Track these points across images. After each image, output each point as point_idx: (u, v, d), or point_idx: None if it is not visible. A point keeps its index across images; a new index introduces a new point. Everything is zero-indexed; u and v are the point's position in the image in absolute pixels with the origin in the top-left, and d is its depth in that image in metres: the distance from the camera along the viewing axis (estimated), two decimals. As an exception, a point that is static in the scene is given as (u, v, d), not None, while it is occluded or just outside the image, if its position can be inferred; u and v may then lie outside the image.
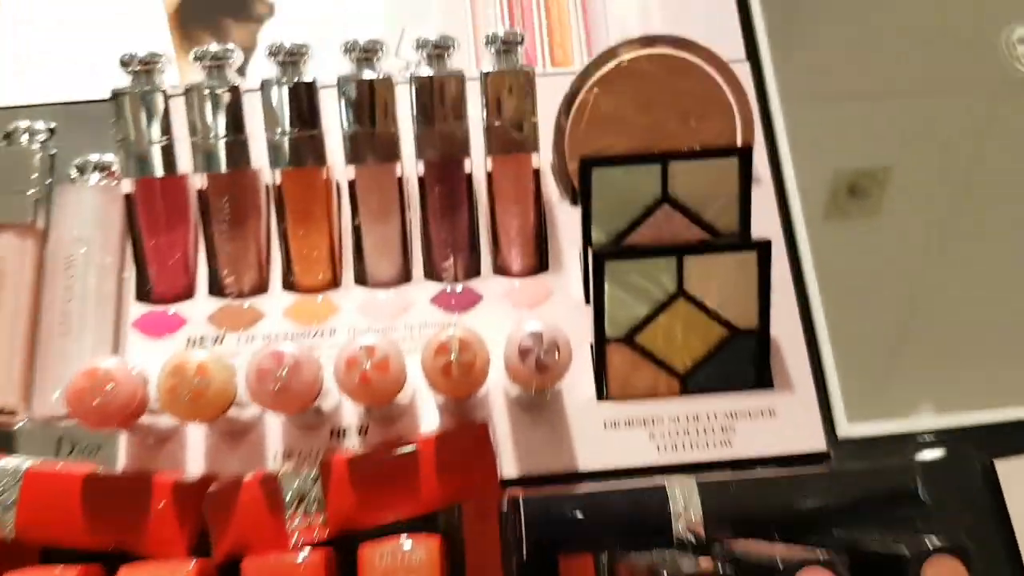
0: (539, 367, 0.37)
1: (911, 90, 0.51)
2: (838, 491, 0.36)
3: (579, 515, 0.35)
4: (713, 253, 0.42)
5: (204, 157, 0.43)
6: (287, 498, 0.37)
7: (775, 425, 0.43)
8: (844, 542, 0.32)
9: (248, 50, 0.50)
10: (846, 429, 0.43)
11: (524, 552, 0.33)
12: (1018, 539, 0.40)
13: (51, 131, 0.49)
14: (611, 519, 0.35)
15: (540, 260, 0.47)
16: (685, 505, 0.35)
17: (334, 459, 0.38)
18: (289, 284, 0.46)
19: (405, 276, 0.47)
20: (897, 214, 0.48)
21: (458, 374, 0.36)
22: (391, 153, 0.44)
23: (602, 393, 0.44)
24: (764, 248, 0.42)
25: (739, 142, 0.46)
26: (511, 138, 0.44)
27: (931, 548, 0.27)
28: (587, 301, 0.45)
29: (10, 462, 0.38)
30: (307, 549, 0.36)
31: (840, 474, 0.37)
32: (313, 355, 0.37)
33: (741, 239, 0.43)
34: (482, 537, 0.39)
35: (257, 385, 0.36)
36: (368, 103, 0.43)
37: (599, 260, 0.42)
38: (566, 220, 0.47)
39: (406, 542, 0.35)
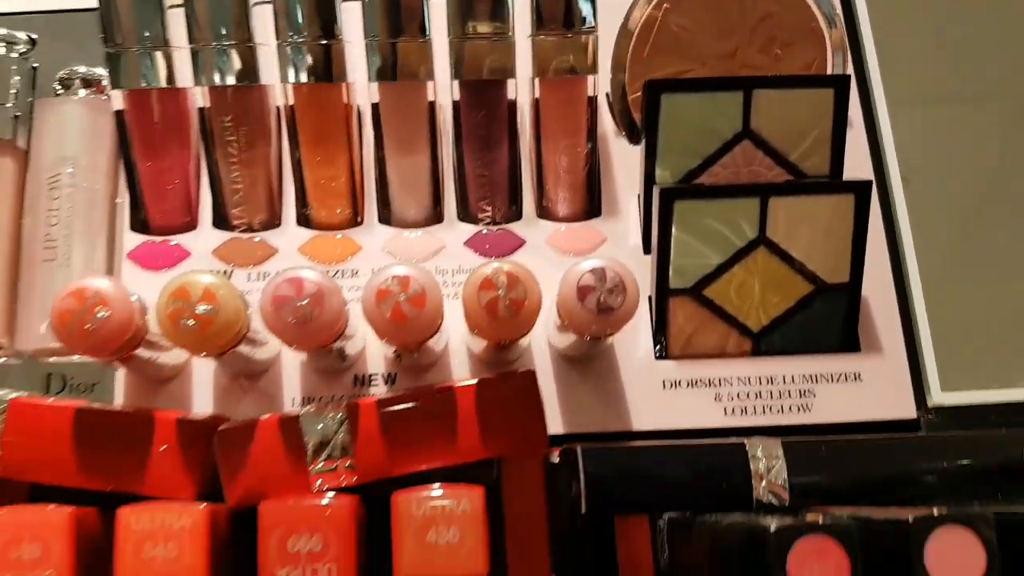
0: (601, 308, 0.34)
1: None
2: (943, 458, 0.33)
3: (644, 471, 0.32)
4: (804, 195, 0.39)
5: (206, 68, 0.41)
6: (309, 442, 0.35)
7: (860, 390, 0.40)
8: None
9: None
10: (939, 397, 0.41)
11: (582, 507, 0.31)
12: None
13: (32, 42, 0.46)
14: (681, 477, 0.32)
15: (591, 203, 0.44)
16: (768, 466, 0.32)
17: (362, 402, 0.35)
18: (304, 219, 0.43)
19: (435, 216, 0.44)
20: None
21: (505, 313, 0.34)
22: (422, 70, 0.41)
23: (662, 351, 0.41)
24: (863, 190, 0.39)
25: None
26: (565, 58, 0.41)
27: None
28: (646, 251, 0.43)
29: (-3, 392, 0.36)
30: (332, 494, 0.33)
31: (947, 440, 0.35)
32: (337, 284, 0.35)
33: (837, 182, 0.40)
34: (525, 493, 0.36)
35: (274, 314, 0.33)
36: (394, 7, 0.40)
37: (667, 199, 0.39)
38: (622, 159, 0.45)
39: (447, 493, 0.33)
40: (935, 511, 0.24)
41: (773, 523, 0.24)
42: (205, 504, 0.33)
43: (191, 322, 0.33)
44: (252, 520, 0.34)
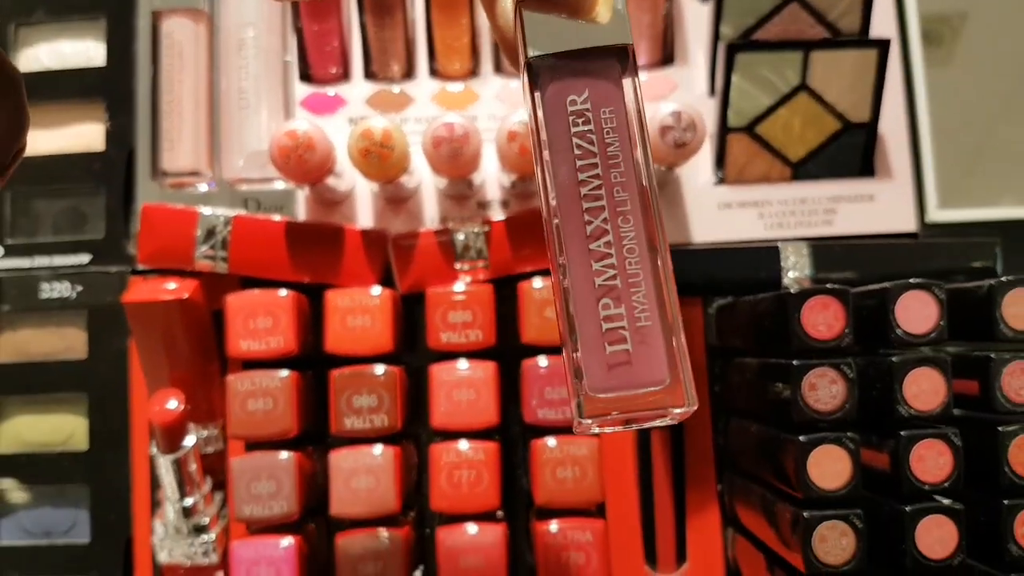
0: (677, 144, 0.45)
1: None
2: (927, 258, 0.45)
3: (703, 265, 0.44)
4: (838, 49, 0.48)
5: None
6: (457, 247, 0.47)
7: (873, 208, 0.51)
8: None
9: None
10: (935, 214, 0.51)
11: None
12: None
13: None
14: (729, 269, 0.44)
15: (666, 54, 0.54)
16: (795, 262, 0.44)
17: (494, 220, 0.47)
18: (433, 72, 0.54)
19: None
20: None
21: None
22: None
23: (719, 178, 0.52)
24: (884, 46, 0.48)
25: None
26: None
27: (1011, 280, 0.36)
28: (711, 94, 0.52)
29: (218, 210, 0.48)
30: (475, 283, 0.46)
31: (931, 245, 0.45)
32: (477, 128, 0.46)
33: (864, 39, 0.49)
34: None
35: (433, 151, 0.45)
36: None
37: (731, 52, 0.48)
38: (692, 16, 0.53)
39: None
40: (907, 282, 0.36)
41: (792, 288, 0.36)
42: (387, 288, 0.46)
43: (376, 157, 0.45)
44: (416, 303, 0.47)
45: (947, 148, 0.52)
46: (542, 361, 0.45)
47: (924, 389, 0.35)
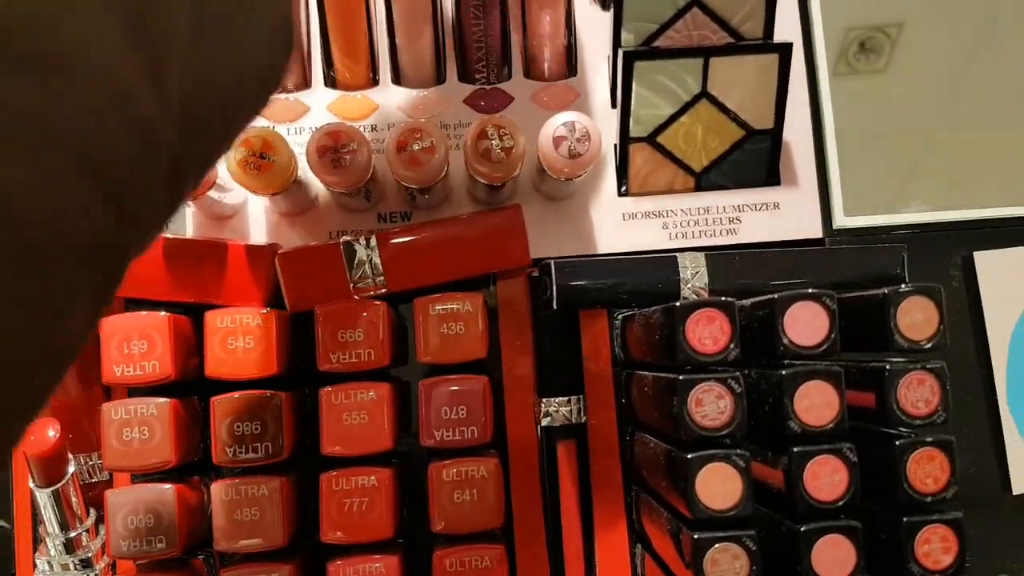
0: (571, 154, 0.43)
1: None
2: (831, 266, 0.43)
3: (598, 276, 0.42)
4: (738, 55, 0.46)
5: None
6: (350, 262, 0.44)
7: (778, 216, 0.49)
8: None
9: None
10: (841, 220, 0.50)
11: (553, 303, 0.40)
12: (984, 310, 0.47)
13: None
14: (627, 280, 0.41)
15: (569, 64, 0.51)
16: (693, 272, 0.42)
17: (389, 231, 0.44)
18: (331, 80, 0.51)
19: (439, 77, 0.51)
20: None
21: (498, 157, 0.42)
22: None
23: (623, 190, 0.50)
24: (786, 51, 0.46)
25: (766, -51, 0.49)
26: (546, -60, 0.47)
27: (906, 290, 0.34)
28: (613, 105, 0.50)
29: (94, 229, 0.45)
30: (368, 300, 0.43)
31: (835, 252, 0.44)
32: (365, 136, 0.43)
33: (764, 43, 0.47)
34: (514, 299, 0.46)
35: (319, 160, 0.42)
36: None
37: (629, 60, 0.46)
38: (595, 26, 0.51)
39: (455, 297, 0.43)
40: (796, 292, 0.34)
41: (678, 302, 0.34)
42: (272, 309, 0.43)
43: (256, 165, 0.42)
44: (307, 322, 0.44)
45: (853, 153, 0.50)
46: (439, 381, 0.43)
47: (816, 403, 0.33)
